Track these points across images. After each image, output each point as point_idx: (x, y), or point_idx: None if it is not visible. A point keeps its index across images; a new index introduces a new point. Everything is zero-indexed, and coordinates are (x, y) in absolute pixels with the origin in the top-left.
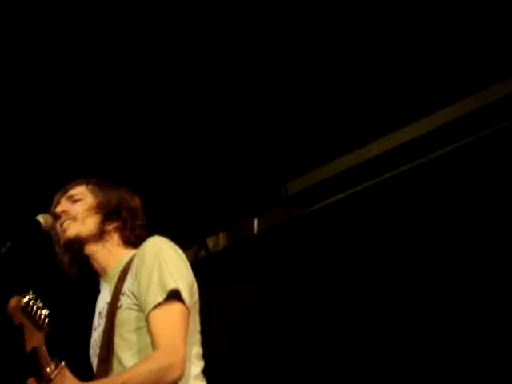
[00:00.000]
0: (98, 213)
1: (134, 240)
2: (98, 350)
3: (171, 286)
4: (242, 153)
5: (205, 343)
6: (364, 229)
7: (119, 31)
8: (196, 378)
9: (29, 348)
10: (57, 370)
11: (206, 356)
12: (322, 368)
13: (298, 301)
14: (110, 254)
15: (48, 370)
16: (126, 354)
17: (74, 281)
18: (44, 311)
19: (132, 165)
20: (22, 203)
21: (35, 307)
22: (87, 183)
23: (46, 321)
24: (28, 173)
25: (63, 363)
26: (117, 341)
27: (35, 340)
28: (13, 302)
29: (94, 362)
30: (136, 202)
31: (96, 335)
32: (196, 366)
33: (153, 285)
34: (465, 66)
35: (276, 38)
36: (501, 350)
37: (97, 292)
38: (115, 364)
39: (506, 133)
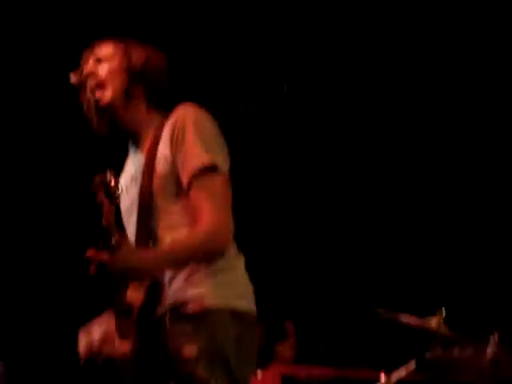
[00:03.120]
0: (124, 75)
1: (159, 100)
2: (134, 216)
3: (213, 157)
4: None
5: None
6: None
7: None
8: (236, 254)
9: (105, 222)
10: (120, 240)
11: None
12: None
13: None
14: (138, 116)
15: (113, 239)
16: (164, 220)
17: (105, 138)
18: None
19: None
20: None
21: (113, 185)
22: (114, 43)
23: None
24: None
25: (126, 233)
26: (156, 205)
27: (110, 215)
28: (97, 179)
29: (130, 228)
30: (162, 60)
31: (128, 201)
32: (233, 243)
33: (194, 155)
34: None
35: None
36: None
37: None
38: (154, 230)
39: None
